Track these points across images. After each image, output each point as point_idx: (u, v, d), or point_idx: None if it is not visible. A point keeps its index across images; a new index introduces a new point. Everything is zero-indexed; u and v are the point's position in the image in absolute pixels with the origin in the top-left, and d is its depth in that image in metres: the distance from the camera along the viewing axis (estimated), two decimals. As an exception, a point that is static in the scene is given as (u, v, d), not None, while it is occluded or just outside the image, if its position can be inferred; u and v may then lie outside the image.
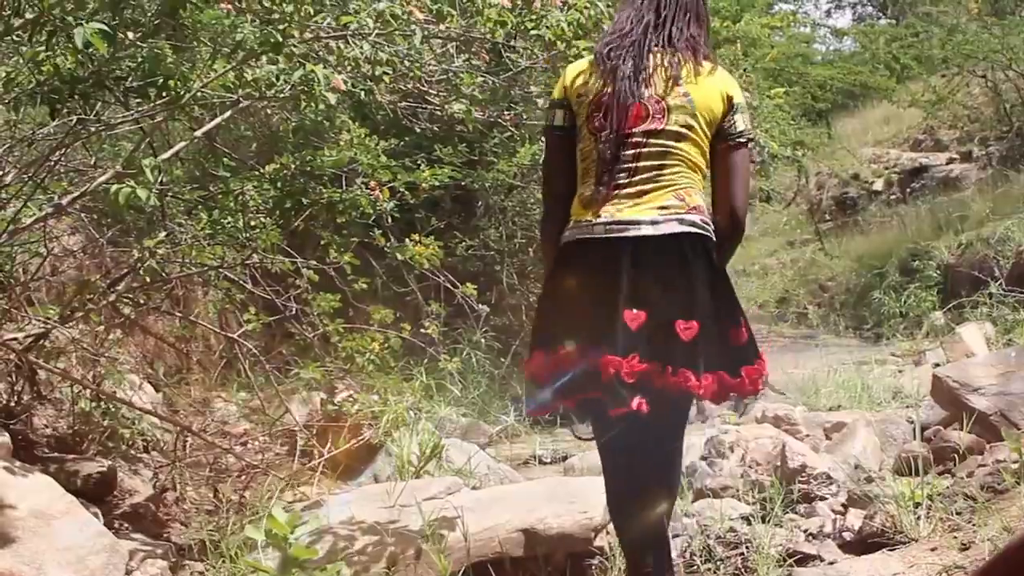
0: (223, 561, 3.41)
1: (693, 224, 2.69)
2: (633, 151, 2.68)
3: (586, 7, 3.71)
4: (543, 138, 2.92)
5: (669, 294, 2.64)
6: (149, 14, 3.49)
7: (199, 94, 3.34)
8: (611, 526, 3.25)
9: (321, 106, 3.36)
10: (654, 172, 2.69)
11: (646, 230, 2.67)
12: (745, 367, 2.69)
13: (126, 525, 3.87)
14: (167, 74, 3.33)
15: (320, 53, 3.60)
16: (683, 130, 2.68)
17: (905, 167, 17.19)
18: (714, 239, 2.73)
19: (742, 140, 2.74)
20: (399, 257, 4.84)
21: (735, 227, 2.77)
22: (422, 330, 5.45)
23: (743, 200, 2.78)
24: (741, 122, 2.73)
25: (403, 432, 4.96)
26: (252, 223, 4.31)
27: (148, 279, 4.08)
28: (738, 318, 2.75)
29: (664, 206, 2.68)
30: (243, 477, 4.60)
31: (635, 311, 2.59)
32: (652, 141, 2.68)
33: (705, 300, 2.66)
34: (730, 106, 2.72)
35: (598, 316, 2.64)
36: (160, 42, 3.39)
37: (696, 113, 2.68)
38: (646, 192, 2.69)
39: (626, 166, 2.69)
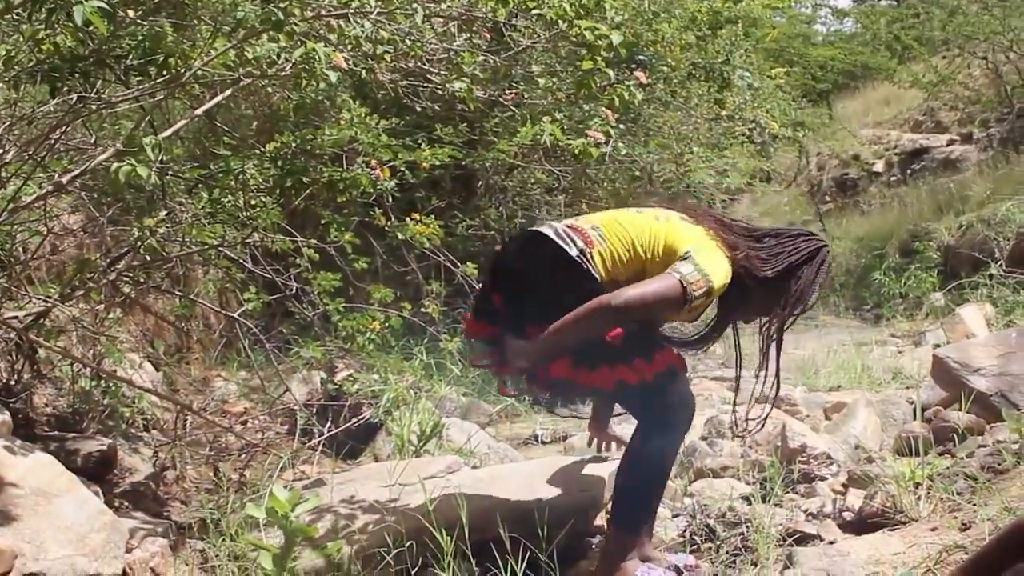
0: (223, 539, 3.41)
1: (562, 238, 3.16)
2: None
3: (588, -14, 3.69)
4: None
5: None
6: (149, -9, 3.47)
7: (199, 72, 3.33)
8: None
9: (322, 85, 3.34)
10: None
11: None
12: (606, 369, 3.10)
13: (126, 503, 3.88)
14: (167, 52, 3.32)
15: (321, 31, 3.58)
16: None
17: (906, 148, 17.16)
18: (585, 269, 3.11)
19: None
20: (399, 236, 4.82)
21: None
22: (422, 309, 5.44)
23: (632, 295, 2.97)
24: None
25: (403, 411, 4.96)
26: (252, 202, 4.30)
27: (148, 258, 4.06)
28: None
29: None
30: (243, 456, 4.61)
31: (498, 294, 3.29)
32: None
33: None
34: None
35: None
36: (160, 20, 3.37)
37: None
38: None
39: None
